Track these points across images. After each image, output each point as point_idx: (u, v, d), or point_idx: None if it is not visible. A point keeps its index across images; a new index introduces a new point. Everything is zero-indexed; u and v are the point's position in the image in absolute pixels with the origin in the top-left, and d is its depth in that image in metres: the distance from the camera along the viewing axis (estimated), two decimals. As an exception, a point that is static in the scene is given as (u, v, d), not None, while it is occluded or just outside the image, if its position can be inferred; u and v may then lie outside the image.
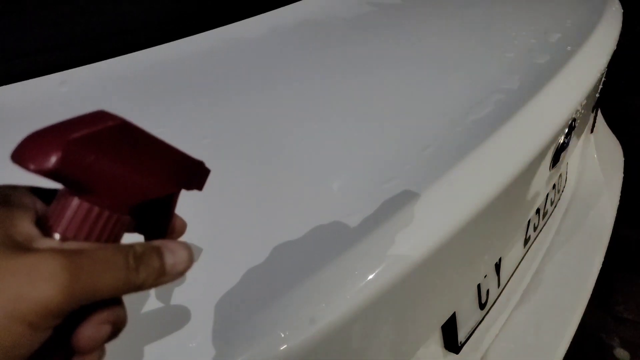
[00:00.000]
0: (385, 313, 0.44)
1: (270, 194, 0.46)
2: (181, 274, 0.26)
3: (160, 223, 0.28)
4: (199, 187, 0.29)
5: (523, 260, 0.82)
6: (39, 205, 0.24)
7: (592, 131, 1.12)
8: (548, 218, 0.90)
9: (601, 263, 0.96)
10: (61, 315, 0.20)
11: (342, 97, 0.61)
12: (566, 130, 0.68)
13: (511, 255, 0.77)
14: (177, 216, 0.29)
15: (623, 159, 1.22)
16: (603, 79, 0.96)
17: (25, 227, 0.22)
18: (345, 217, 0.43)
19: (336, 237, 0.42)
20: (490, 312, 0.74)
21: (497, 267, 0.72)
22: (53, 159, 0.20)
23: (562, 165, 0.86)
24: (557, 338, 0.80)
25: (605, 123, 1.28)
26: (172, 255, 0.25)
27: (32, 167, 0.20)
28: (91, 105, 0.36)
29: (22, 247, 0.21)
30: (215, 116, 0.57)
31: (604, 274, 1.77)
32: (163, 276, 0.25)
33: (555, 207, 0.93)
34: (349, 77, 0.65)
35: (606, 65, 0.88)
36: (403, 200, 0.45)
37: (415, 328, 0.52)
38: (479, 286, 0.69)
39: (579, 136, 0.86)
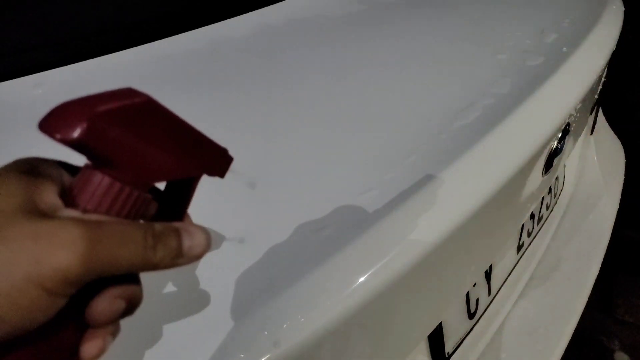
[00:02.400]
0: (366, 324, 0.42)
1: (241, 202, 0.45)
2: (197, 257, 0.26)
3: (178, 207, 0.28)
4: (221, 174, 0.29)
5: (516, 267, 0.80)
6: (66, 178, 0.24)
7: (592, 132, 1.09)
8: (544, 223, 0.88)
9: (599, 268, 0.93)
10: (77, 284, 0.21)
11: (324, 100, 0.59)
12: (559, 135, 0.65)
13: (503, 263, 0.75)
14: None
15: (624, 160, 1.19)
16: (603, 79, 0.93)
17: (50, 197, 0.22)
18: (319, 231, 0.41)
19: (309, 252, 0.40)
20: (480, 321, 0.72)
21: (488, 275, 0.70)
22: (78, 130, 0.20)
23: (557, 169, 0.83)
24: (550, 346, 0.78)
25: (606, 124, 1.25)
26: (190, 238, 0.25)
27: (57, 136, 0.20)
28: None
29: (45, 215, 0.21)
30: (196, 116, 0.55)
31: (604, 276, 1.74)
32: (180, 258, 0.25)
33: (551, 211, 0.90)
34: (334, 79, 0.63)
35: (605, 66, 0.85)
36: (382, 209, 0.44)
37: (399, 339, 0.50)
38: (467, 295, 0.67)
39: (575, 139, 0.83)
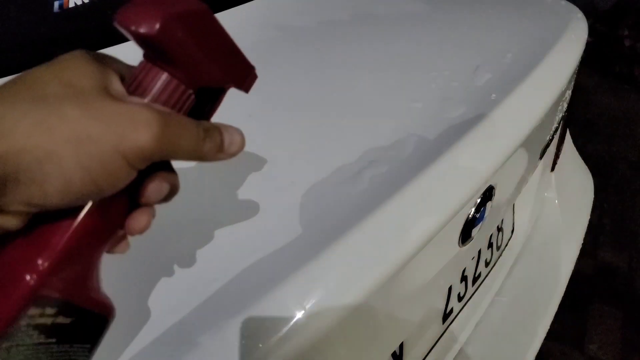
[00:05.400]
0: None
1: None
2: (234, 154, 0.29)
3: (206, 113, 0.30)
4: (247, 89, 0.30)
5: (442, 337, 0.70)
6: (124, 71, 0.26)
7: (552, 169, 0.98)
8: (482, 281, 0.78)
9: (547, 329, 0.83)
10: (148, 162, 0.23)
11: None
12: (479, 200, 0.55)
13: (423, 337, 0.65)
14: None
15: (592, 194, 1.08)
16: (559, 121, 0.83)
17: (117, 83, 0.24)
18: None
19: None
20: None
21: (398, 355, 0.61)
22: (154, 26, 0.22)
23: (488, 229, 0.73)
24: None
25: (576, 153, 1.15)
26: (230, 136, 0.28)
27: (133, 28, 0.23)
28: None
29: (120, 99, 0.23)
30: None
31: (579, 305, 1.65)
32: (221, 152, 0.28)
33: (493, 267, 0.80)
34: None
35: (561, 110, 0.74)
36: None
37: None
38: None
39: (514, 194, 0.73)
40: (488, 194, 0.56)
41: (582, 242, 0.96)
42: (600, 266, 1.82)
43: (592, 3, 3.02)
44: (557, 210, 0.96)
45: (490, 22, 0.79)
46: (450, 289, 0.67)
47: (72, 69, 0.23)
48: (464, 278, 0.71)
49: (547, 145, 0.80)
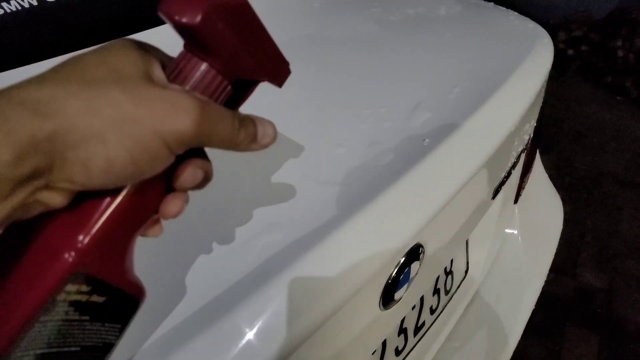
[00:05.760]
0: None
1: None
2: (266, 146, 0.30)
3: (235, 103, 0.30)
4: (280, 83, 0.30)
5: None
6: (165, 60, 0.27)
7: (515, 201, 0.93)
8: (427, 329, 0.72)
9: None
10: (186, 147, 0.25)
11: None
12: (402, 260, 0.49)
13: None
14: None
15: (561, 227, 1.02)
16: (519, 155, 0.77)
17: (159, 71, 0.25)
18: None
19: None
20: None
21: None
22: (197, 17, 0.23)
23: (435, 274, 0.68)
24: None
25: (546, 182, 1.09)
26: (263, 128, 0.30)
27: (177, 18, 0.24)
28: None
29: (162, 86, 0.24)
30: None
31: (554, 331, 1.59)
32: (254, 143, 0.29)
33: (440, 313, 0.74)
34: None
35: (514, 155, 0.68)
36: None
37: None
38: None
39: (471, 226, 0.67)
40: (414, 254, 0.50)
41: (544, 280, 0.91)
42: (579, 287, 1.77)
43: (587, 11, 2.95)
44: (519, 247, 0.91)
45: (445, 48, 0.73)
46: (385, 343, 0.62)
47: (118, 55, 0.24)
48: (402, 330, 0.65)
49: (503, 183, 0.74)
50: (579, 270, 1.81)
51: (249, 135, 0.28)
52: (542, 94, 0.80)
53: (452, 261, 0.75)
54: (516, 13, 0.91)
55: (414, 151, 0.52)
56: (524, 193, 0.93)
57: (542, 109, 0.86)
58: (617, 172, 2.26)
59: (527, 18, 0.89)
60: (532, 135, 0.83)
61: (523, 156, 0.84)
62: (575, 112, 2.69)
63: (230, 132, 0.27)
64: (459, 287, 0.79)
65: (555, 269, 1.80)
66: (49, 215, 0.23)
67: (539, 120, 0.84)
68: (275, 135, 0.30)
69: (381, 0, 0.89)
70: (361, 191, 0.47)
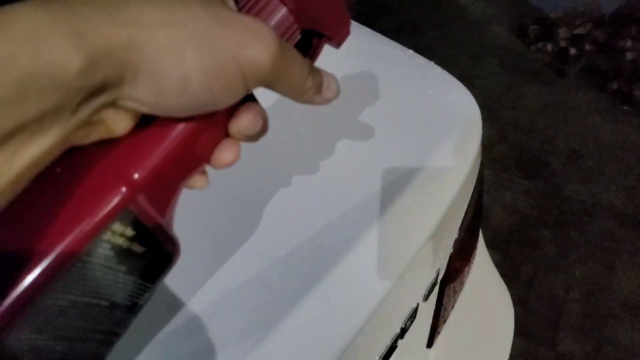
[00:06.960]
0: None
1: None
2: (329, 100, 0.28)
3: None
4: (339, 43, 0.30)
5: None
6: None
7: (428, 345, 0.62)
8: None
9: None
10: (259, 82, 0.23)
11: None
12: None
13: None
14: None
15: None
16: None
17: (232, 3, 0.24)
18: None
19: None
20: None
21: None
22: None
23: None
24: None
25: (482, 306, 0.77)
26: (329, 81, 0.28)
27: None
28: None
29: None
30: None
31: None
32: (318, 94, 0.27)
33: None
34: None
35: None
36: None
37: None
38: None
39: None
40: None
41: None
42: (557, 358, 1.46)
43: (593, 4, 2.54)
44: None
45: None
46: None
47: None
48: None
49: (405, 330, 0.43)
50: (560, 337, 1.50)
51: (314, 85, 0.26)
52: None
53: None
54: (439, 69, 0.59)
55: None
56: (438, 338, 0.62)
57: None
58: (616, 205, 1.91)
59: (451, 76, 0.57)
60: (440, 276, 0.51)
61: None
62: (573, 125, 2.32)
63: (300, 76, 0.25)
64: None
65: (530, 336, 1.49)
66: (105, 145, 0.22)
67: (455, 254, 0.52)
68: (338, 91, 0.28)
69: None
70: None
